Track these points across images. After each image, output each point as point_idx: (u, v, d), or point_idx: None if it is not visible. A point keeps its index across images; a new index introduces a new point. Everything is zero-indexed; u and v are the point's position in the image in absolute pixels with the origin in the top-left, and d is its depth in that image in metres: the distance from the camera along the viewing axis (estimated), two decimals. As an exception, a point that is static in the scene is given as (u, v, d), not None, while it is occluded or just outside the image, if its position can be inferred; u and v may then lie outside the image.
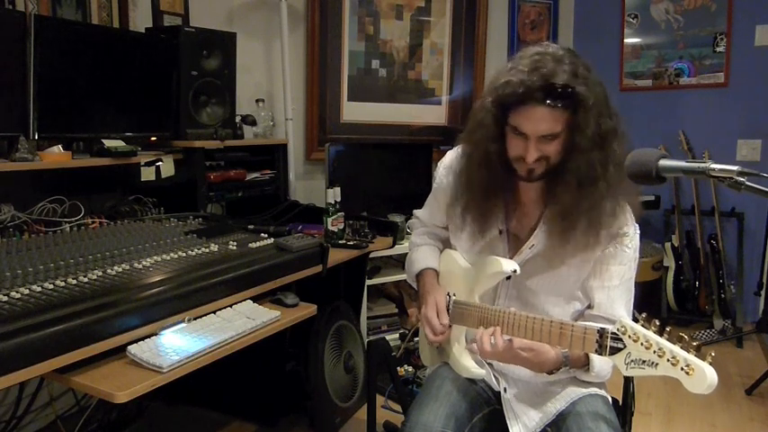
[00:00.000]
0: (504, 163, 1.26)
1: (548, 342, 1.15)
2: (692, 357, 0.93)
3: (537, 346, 1.17)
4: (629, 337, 1.00)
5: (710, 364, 0.92)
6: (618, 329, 1.02)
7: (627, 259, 1.26)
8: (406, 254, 1.60)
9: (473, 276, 1.34)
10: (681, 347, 0.95)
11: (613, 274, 1.26)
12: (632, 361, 1.00)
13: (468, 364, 1.32)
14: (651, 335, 0.98)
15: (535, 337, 1.16)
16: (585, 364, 1.25)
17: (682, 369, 0.93)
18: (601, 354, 1.06)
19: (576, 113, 1.15)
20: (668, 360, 0.94)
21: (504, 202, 1.34)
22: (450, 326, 1.36)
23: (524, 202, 1.34)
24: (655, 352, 0.96)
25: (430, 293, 1.42)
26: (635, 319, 1.03)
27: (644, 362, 0.98)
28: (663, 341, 0.96)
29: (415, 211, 1.63)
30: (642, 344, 0.98)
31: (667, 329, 0.98)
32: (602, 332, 1.06)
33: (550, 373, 1.23)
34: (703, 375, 0.91)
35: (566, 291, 1.30)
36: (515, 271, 1.25)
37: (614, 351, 1.03)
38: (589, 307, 1.31)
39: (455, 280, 1.41)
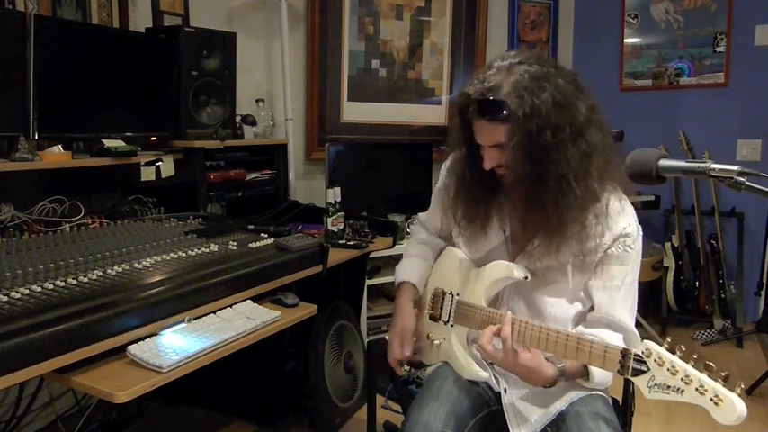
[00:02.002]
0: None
1: (563, 356, 1.15)
2: (720, 388, 0.92)
3: (538, 365, 1.17)
4: (655, 361, 0.99)
5: (739, 395, 0.91)
6: (642, 352, 1.01)
7: (629, 260, 1.25)
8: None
9: (480, 278, 1.33)
10: (709, 376, 0.94)
11: (615, 275, 1.25)
12: (656, 385, 0.99)
13: (471, 367, 1.32)
14: (678, 361, 0.97)
15: (549, 349, 1.15)
16: (584, 374, 1.24)
17: (711, 399, 0.92)
18: (622, 374, 1.05)
19: (515, 124, 1.15)
20: (696, 389, 0.93)
21: (506, 203, 1.34)
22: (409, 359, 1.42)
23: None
24: (682, 379, 0.95)
25: (399, 316, 1.45)
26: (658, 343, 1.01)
27: (669, 387, 0.97)
28: (690, 368, 0.95)
29: (420, 214, 1.63)
30: (668, 369, 0.97)
31: (694, 356, 0.97)
32: (625, 353, 1.04)
33: (545, 386, 1.23)
34: (733, 407, 0.90)
35: (569, 292, 1.30)
36: (527, 278, 1.26)
37: (637, 373, 1.02)
38: (591, 309, 1.31)
39: (459, 279, 1.40)
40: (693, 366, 0.96)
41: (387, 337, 1.49)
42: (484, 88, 1.17)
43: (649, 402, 2.70)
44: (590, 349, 1.09)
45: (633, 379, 1.02)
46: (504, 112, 1.14)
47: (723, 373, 0.94)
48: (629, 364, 1.03)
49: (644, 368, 1.01)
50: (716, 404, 0.91)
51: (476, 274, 1.35)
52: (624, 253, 1.24)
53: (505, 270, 1.28)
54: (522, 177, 1.20)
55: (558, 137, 1.15)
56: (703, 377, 0.94)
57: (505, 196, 1.34)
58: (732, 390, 0.92)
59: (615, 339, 1.22)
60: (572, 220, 1.19)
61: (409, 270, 1.51)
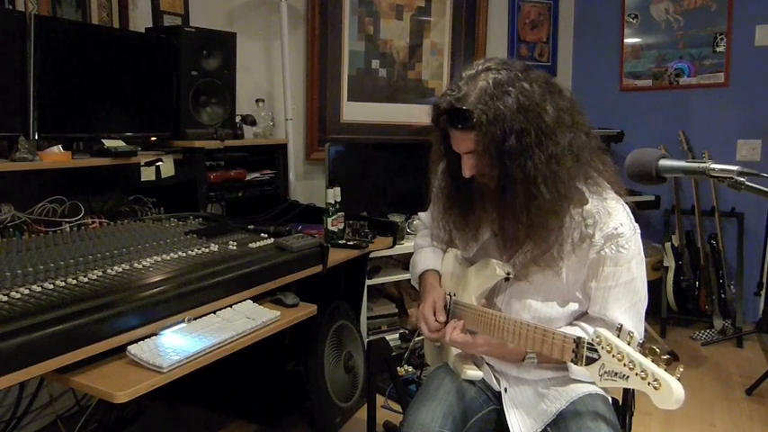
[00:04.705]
0: None
1: (531, 347, 1.17)
2: (660, 372, 0.90)
3: (497, 341, 1.23)
4: (603, 347, 0.98)
5: (679, 379, 0.89)
6: (593, 339, 1.01)
7: (623, 260, 1.23)
8: (406, 254, 1.61)
9: (471, 278, 1.35)
10: (652, 360, 0.92)
11: (608, 276, 1.24)
12: (606, 372, 0.98)
13: (466, 366, 1.33)
14: (624, 346, 0.96)
15: (521, 342, 1.17)
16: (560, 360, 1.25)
17: (649, 384, 0.91)
18: (576, 363, 1.05)
19: (481, 131, 1.17)
20: (637, 374, 0.92)
21: (493, 209, 1.34)
22: (446, 323, 1.36)
23: None
24: (626, 365, 0.94)
25: (429, 293, 1.44)
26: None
27: (616, 374, 0.96)
28: (634, 354, 0.94)
29: (420, 214, 1.66)
30: (615, 356, 0.96)
31: (640, 341, 0.96)
32: (578, 341, 1.04)
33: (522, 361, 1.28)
34: (669, 391, 0.88)
35: (562, 292, 1.29)
36: (509, 274, 1.27)
37: (590, 361, 1.01)
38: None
39: (455, 281, 1.42)
40: (640, 351, 0.95)
41: (413, 314, 1.49)
42: (453, 98, 1.19)
43: (649, 402, 2.71)
44: (552, 340, 1.10)
45: (586, 368, 1.02)
46: (472, 119, 1.16)
47: (665, 357, 0.92)
48: (582, 353, 1.03)
49: (595, 356, 1.00)
50: (655, 389, 0.90)
51: (468, 273, 1.37)
52: (617, 253, 1.23)
53: (488, 268, 1.30)
54: (493, 182, 1.23)
55: (523, 141, 1.15)
56: (645, 362, 0.92)
57: (490, 202, 1.34)
58: (672, 374, 0.90)
59: None
60: (546, 223, 1.20)
61: (426, 260, 1.54)
